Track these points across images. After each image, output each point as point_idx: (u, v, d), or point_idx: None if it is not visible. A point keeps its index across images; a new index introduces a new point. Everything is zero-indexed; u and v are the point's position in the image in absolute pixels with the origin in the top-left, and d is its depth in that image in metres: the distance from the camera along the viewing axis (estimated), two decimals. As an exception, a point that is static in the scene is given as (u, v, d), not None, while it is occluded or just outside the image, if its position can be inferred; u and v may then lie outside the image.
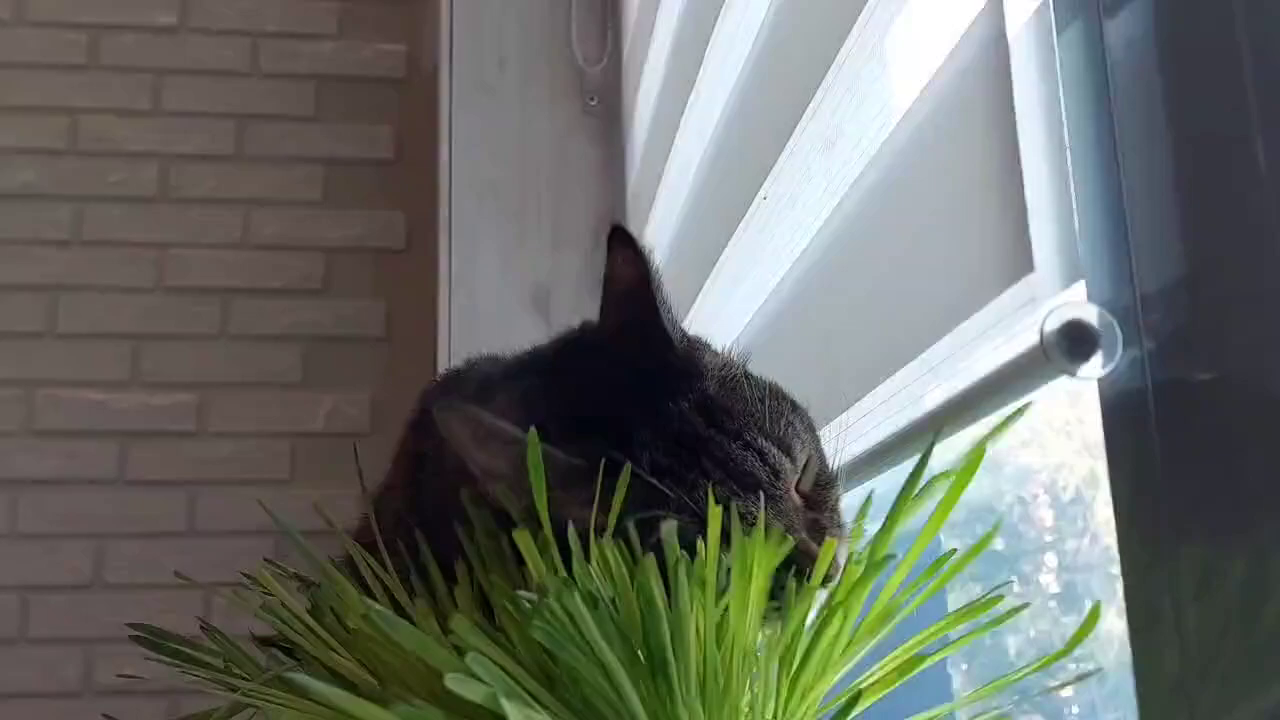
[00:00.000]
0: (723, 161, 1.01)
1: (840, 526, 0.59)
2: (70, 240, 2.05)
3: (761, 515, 0.52)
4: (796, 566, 0.53)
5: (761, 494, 0.56)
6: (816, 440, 0.61)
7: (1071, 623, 0.77)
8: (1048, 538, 0.91)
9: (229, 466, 1.96)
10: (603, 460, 0.54)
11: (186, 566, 0.65)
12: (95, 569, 1.94)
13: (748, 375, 0.61)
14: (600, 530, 0.51)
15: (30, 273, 2.02)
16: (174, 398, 2.02)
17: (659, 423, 0.57)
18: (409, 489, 0.69)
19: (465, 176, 1.67)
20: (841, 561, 0.56)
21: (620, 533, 0.50)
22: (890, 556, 0.51)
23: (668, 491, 0.55)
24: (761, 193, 0.81)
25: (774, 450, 0.58)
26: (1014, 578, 0.93)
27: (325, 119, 2.13)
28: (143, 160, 2.08)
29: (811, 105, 0.72)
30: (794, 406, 0.61)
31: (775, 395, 0.61)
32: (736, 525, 0.49)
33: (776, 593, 0.52)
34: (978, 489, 1.00)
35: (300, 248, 2.08)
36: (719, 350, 0.63)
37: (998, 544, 0.53)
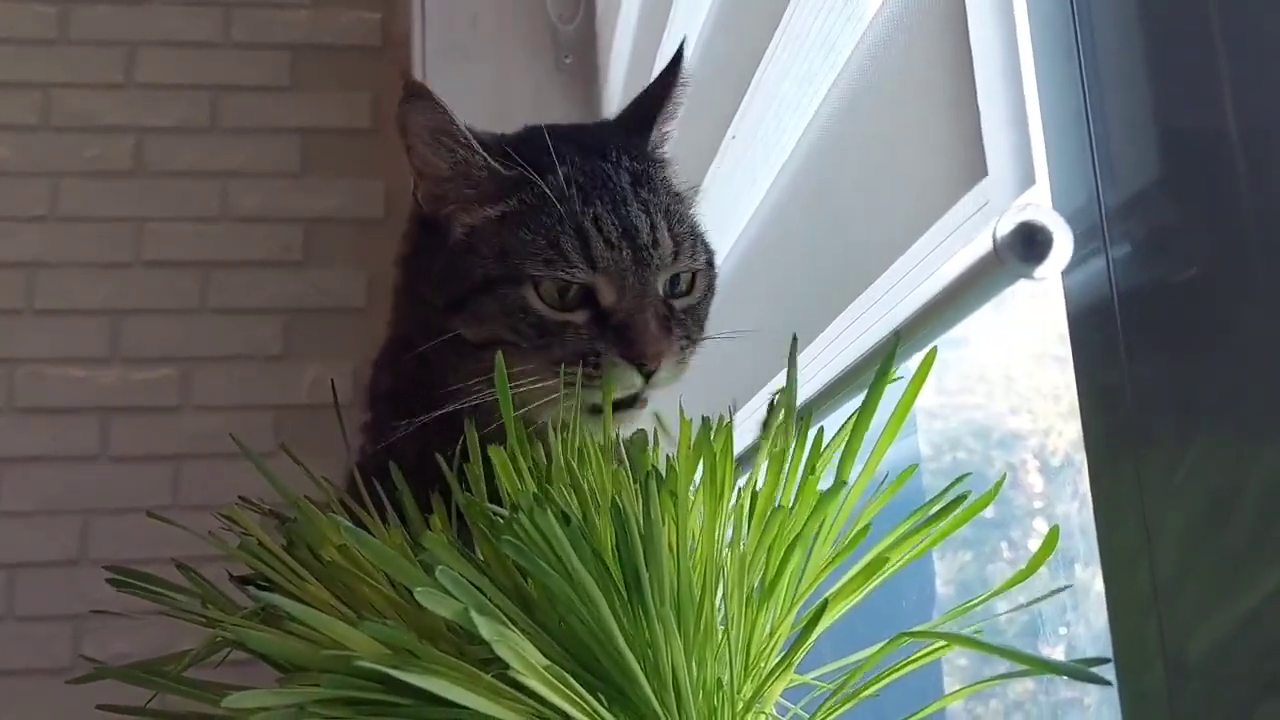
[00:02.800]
0: (693, 106, 1.01)
1: (683, 349, 0.65)
2: (47, 216, 2.03)
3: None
4: (622, 336, 0.62)
5: (632, 247, 0.63)
6: (708, 287, 0.68)
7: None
8: (1037, 504, 0.92)
9: (212, 440, 1.96)
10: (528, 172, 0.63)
11: (173, 541, 0.65)
12: (81, 545, 1.94)
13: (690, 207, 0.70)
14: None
15: (6, 250, 2.01)
16: (155, 372, 2.01)
17: (591, 161, 0.65)
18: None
19: (442, 140, 1.65)
20: (664, 359, 0.63)
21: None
22: (843, 483, 0.51)
23: (558, 203, 0.62)
24: (730, 132, 0.81)
25: (664, 226, 0.65)
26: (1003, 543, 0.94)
27: (301, 89, 2.11)
28: (117, 134, 2.06)
29: (773, 41, 0.72)
30: (709, 259, 0.69)
31: (697, 225, 0.69)
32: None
33: (590, 358, 0.62)
34: (968, 457, 1.00)
35: (279, 219, 2.07)
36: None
37: (987, 511, 0.54)
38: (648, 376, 0.62)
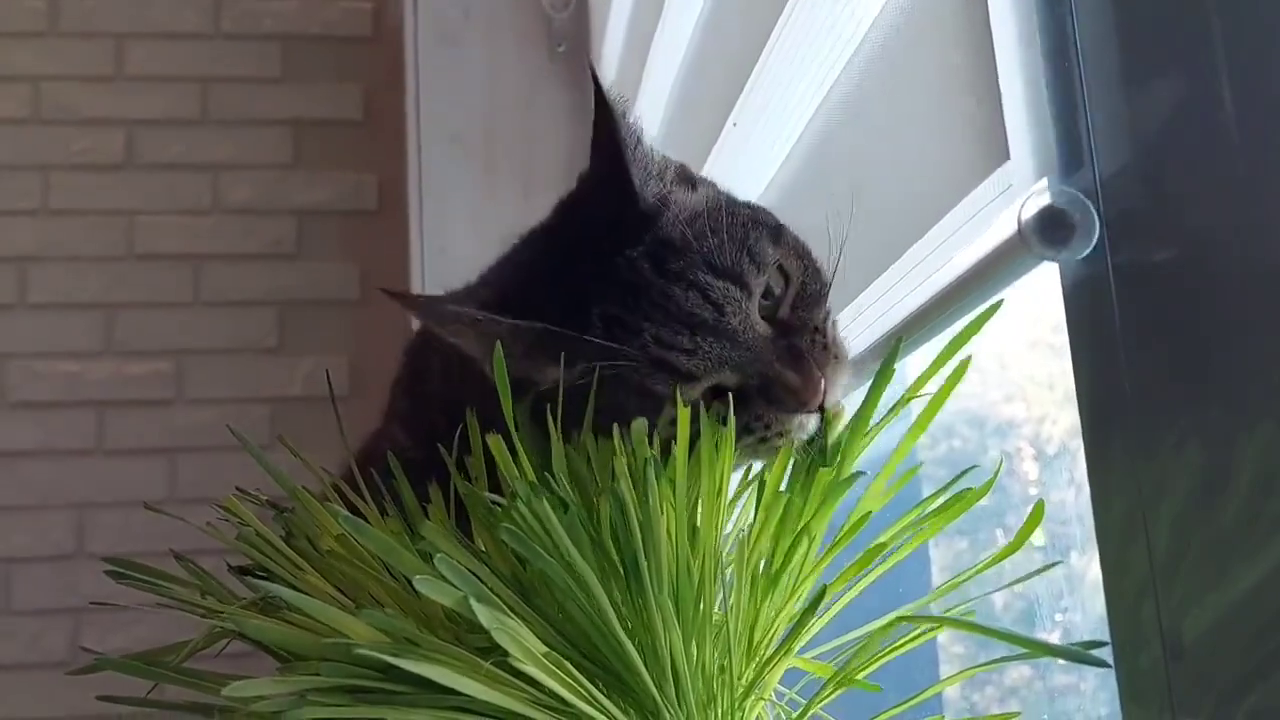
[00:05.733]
0: (690, 94, 1.01)
1: (825, 348, 0.57)
2: (38, 210, 2.02)
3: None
4: (771, 397, 0.55)
5: (713, 334, 0.55)
6: (800, 258, 0.60)
7: (1059, 574, 0.77)
8: (1033, 491, 0.92)
9: (207, 433, 1.96)
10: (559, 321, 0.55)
11: (169, 534, 0.64)
12: (77, 539, 1.94)
13: (721, 206, 0.60)
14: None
15: (-2, 244, 2.00)
16: (150, 366, 2.01)
17: (611, 274, 0.57)
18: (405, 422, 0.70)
19: (434, 131, 1.65)
20: (825, 387, 0.55)
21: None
22: (860, 474, 0.51)
23: (615, 345, 0.55)
24: (731, 119, 0.81)
25: (719, 283, 0.56)
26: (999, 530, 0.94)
27: (292, 80, 2.11)
28: (108, 127, 2.05)
29: (778, 26, 0.72)
30: (767, 227, 0.60)
31: (742, 223, 0.59)
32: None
33: (754, 425, 0.55)
34: (963, 444, 1.00)
35: (271, 211, 2.07)
36: (706, 186, 0.63)
37: (983, 499, 0.54)
38: (822, 410, 0.56)
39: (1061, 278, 0.49)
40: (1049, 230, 0.46)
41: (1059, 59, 0.48)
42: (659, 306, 0.56)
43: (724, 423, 0.51)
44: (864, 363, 0.60)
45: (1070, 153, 0.48)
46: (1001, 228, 0.48)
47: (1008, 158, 0.48)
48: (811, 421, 0.56)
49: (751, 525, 0.49)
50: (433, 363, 0.68)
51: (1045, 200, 0.46)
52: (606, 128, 0.59)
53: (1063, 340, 0.50)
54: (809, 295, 0.59)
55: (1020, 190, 0.47)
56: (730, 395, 0.54)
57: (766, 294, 0.58)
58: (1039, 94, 0.48)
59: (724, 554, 0.49)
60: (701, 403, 0.55)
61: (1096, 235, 0.46)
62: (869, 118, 0.66)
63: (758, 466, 0.56)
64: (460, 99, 1.67)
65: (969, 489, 0.51)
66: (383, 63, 2.04)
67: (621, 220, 0.59)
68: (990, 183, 0.50)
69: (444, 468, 0.55)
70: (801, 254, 0.60)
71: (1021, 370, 0.97)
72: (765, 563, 0.50)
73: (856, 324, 0.65)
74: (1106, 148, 0.47)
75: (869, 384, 0.52)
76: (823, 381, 0.56)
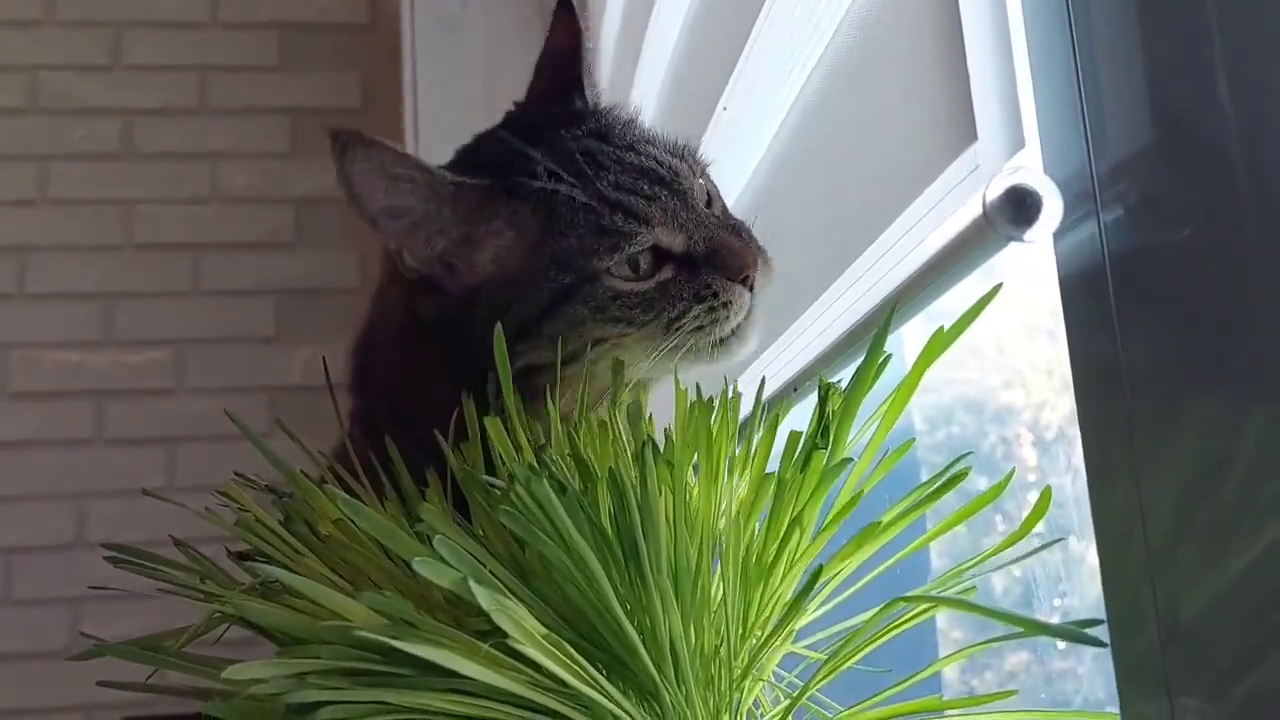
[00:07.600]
0: (683, 79, 1.01)
1: (761, 249, 0.63)
2: (36, 200, 2.02)
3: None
4: (716, 262, 0.60)
5: (665, 186, 0.61)
6: (715, 187, 0.67)
7: (1057, 560, 0.77)
8: (1031, 477, 0.92)
9: (207, 422, 1.96)
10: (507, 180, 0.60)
11: (168, 523, 0.65)
12: (77, 528, 1.94)
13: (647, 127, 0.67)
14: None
15: (-4, 234, 2.00)
16: (149, 355, 2.01)
17: (557, 145, 0.62)
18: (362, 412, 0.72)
19: (432, 118, 1.65)
20: (756, 263, 0.62)
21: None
22: (848, 460, 0.51)
23: (563, 189, 0.60)
24: (721, 103, 0.81)
25: (667, 156, 0.63)
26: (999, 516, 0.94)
27: (289, 68, 2.10)
28: (105, 116, 2.05)
29: (763, 9, 0.72)
30: (694, 150, 0.67)
31: (671, 139, 0.66)
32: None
33: (704, 293, 0.60)
34: (961, 430, 1.00)
35: (270, 200, 2.07)
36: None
37: (980, 483, 0.54)
38: (751, 288, 0.62)
39: (1057, 262, 0.48)
40: (1014, 211, 0.45)
41: (1056, 48, 0.48)
42: (616, 161, 0.61)
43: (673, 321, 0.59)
44: (853, 339, 0.61)
45: (1066, 140, 0.48)
46: (969, 209, 0.47)
47: (975, 138, 0.48)
48: (747, 299, 0.62)
49: (742, 509, 0.49)
50: (374, 359, 0.72)
51: (1010, 181, 0.46)
52: (571, 35, 0.66)
53: (1060, 326, 0.50)
54: (729, 212, 0.66)
55: (988, 171, 0.47)
56: (675, 268, 0.60)
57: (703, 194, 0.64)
58: (1010, 74, 0.48)
59: (720, 537, 0.49)
60: (641, 275, 0.60)
61: (1061, 216, 0.46)
62: (846, 101, 0.66)
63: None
64: (458, 87, 1.66)
65: (965, 470, 0.51)
66: (380, 51, 2.04)
67: (569, 113, 0.65)
68: (958, 164, 0.50)
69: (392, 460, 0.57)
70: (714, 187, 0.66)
71: (1019, 356, 0.97)
72: (759, 548, 0.50)
73: (836, 306, 0.65)
74: (1103, 133, 0.46)
75: (859, 363, 0.52)
76: (759, 258, 0.62)
